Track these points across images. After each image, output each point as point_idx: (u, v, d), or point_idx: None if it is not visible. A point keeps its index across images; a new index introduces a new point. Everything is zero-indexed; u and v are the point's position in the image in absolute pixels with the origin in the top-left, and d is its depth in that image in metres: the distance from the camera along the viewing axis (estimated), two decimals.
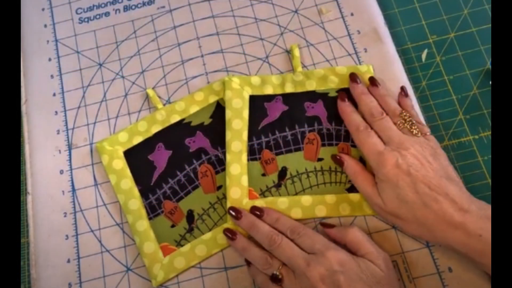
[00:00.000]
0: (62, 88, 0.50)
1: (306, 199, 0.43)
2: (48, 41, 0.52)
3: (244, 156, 0.44)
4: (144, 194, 0.45)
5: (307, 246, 0.38)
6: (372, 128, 0.42)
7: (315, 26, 0.50)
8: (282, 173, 0.44)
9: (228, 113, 0.45)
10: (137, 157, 0.46)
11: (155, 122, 0.47)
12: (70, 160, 0.47)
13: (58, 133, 0.48)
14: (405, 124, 0.41)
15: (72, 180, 0.46)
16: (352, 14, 0.50)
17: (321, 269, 0.36)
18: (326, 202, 0.43)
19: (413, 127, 0.41)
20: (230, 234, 0.41)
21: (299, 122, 0.46)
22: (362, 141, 0.41)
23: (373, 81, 0.45)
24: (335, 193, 0.43)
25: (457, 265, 0.40)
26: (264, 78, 0.47)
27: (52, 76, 0.51)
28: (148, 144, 0.46)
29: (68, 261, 0.44)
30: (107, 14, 0.53)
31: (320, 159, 0.44)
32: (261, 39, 0.50)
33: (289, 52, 0.49)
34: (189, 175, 0.45)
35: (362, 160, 0.43)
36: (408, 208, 0.37)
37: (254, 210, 0.42)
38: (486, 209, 0.36)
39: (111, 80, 0.50)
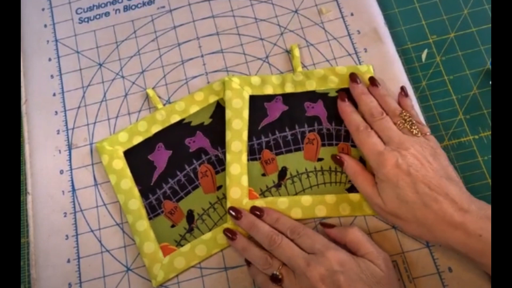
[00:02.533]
0: (62, 88, 0.50)
1: (306, 199, 0.43)
2: (48, 41, 0.52)
3: (244, 156, 0.44)
4: (144, 194, 0.45)
5: (307, 246, 0.38)
6: (372, 128, 0.42)
7: (315, 26, 0.50)
8: (282, 173, 0.44)
9: (228, 113, 0.45)
10: (137, 157, 0.46)
11: (155, 122, 0.47)
12: (70, 160, 0.47)
13: (58, 133, 0.48)
14: (405, 124, 0.41)
15: (72, 180, 0.46)
16: (352, 14, 0.50)
17: (321, 269, 0.36)
18: (326, 202, 0.43)
19: (413, 127, 0.41)
20: (230, 234, 0.41)
21: (299, 122, 0.45)
22: (362, 141, 0.41)
23: (373, 81, 0.45)
24: (335, 193, 0.43)
25: (457, 265, 0.40)
26: (264, 78, 0.47)
27: (52, 76, 0.50)
28: (148, 144, 0.46)
29: (68, 261, 0.44)
30: (107, 14, 0.53)
31: (320, 159, 0.44)
32: (261, 39, 0.50)
33: (289, 52, 0.49)
34: (189, 175, 0.45)
35: (362, 160, 0.43)
36: (408, 208, 0.37)
37: (254, 210, 0.42)
38: (486, 209, 0.36)
39: (111, 80, 0.50)
